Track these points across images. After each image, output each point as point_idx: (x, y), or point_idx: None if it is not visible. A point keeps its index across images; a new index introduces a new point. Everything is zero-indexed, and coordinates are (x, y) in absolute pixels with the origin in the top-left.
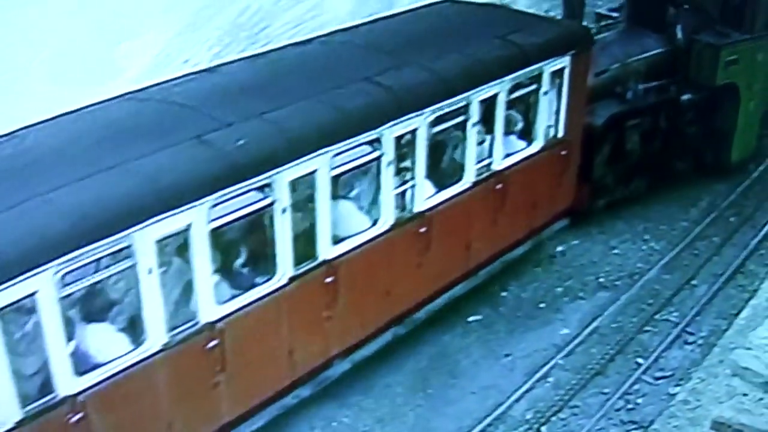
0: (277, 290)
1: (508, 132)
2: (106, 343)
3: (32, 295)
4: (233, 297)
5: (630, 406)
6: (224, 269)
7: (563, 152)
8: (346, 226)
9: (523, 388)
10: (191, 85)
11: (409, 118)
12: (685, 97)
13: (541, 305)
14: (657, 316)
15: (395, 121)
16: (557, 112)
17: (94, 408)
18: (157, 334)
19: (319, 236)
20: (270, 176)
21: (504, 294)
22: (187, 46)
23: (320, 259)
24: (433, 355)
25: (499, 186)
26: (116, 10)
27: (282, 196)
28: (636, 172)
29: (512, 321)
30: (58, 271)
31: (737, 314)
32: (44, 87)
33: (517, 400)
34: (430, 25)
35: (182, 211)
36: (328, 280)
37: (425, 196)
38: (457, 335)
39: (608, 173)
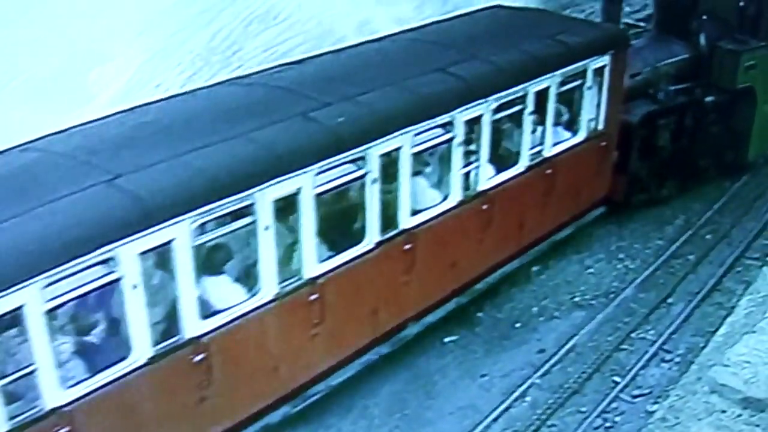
0: (365, 253)
1: (556, 123)
2: (225, 292)
3: (170, 242)
4: (328, 258)
5: (608, 424)
6: (321, 234)
7: (603, 143)
8: (421, 200)
9: (500, 408)
10: (288, 73)
11: (477, 105)
12: (709, 98)
13: (517, 325)
14: (633, 335)
15: (465, 107)
16: (598, 106)
17: (215, 349)
18: (269, 286)
19: (401, 207)
20: (364, 150)
21: (480, 314)
22: (159, 70)
23: (401, 228)
24: (410, 376)
25: (548, 171)
26: (89, 34)
27: (373, 168)
28: (668, 171)
29: (488, 341)
30: (194, 221)
31: (715, 331)
32: (17, 112)
33: (494, 420)
34: (486, 26)
35: (295, 176)
36: (407, 247)
37: (487, 176)
38: (433, 356)
39: (642, 167)
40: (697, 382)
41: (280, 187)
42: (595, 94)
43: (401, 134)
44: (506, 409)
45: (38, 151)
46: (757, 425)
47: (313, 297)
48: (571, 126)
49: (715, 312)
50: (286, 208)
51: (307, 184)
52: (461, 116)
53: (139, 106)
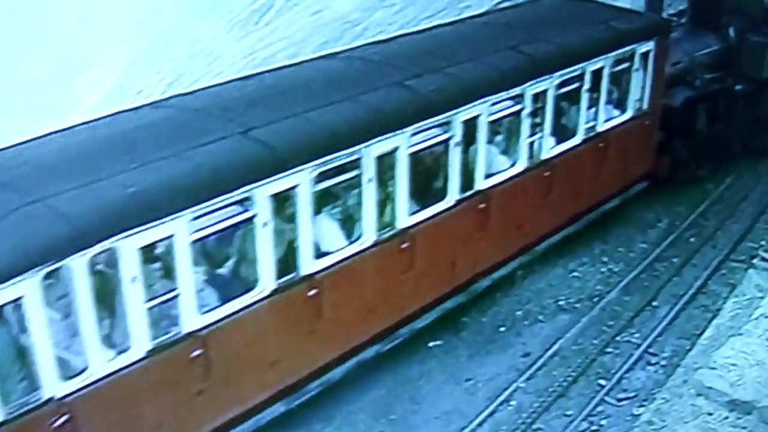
0: (447, 209)
1: (607, 101)
2: (333, 236)
3: (294, 187)
4: (416, 211)
5: (594, 427)
6: (412, 190)
7: (647, 122)
8: (493, 165)
9: (486, 412)
10: (379, 48)
11: (543, 80)
12: (738, 87)
13: (502, 329)
14: (618, 338)
15: (534, 81)
16: (643, 88)
17: (326, 286)
18: (369, 233)
19: (477, 170)
20: (450, 115)
21: (464, 319)
22: (141, 77)
23: (476, 188)
24: (395, 381)
25: (601, 145)
26: (73, 41)
27: (457, 133)
28: (705, 152)
29: (473, 345)
30: (314, 170)
31: (700, 334)
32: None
33: (479, 424)
34: (549, 12)
35: (394, 136)
36: (481, 206)
37: (549, 147)
38: (417, 361)
39: (683, 148)
40: (683, 385)
41: (382, 145)
42: (641, 77)
43: (481, 103)
44: (491, 413)
45: (172, 108)
46: (744, 427)
47: (404, 245)
48: (620, 104)
49: (701, 315)
50: (384, 165)
51: (403, 144)
52: (530, 90)
53: (253, 74)
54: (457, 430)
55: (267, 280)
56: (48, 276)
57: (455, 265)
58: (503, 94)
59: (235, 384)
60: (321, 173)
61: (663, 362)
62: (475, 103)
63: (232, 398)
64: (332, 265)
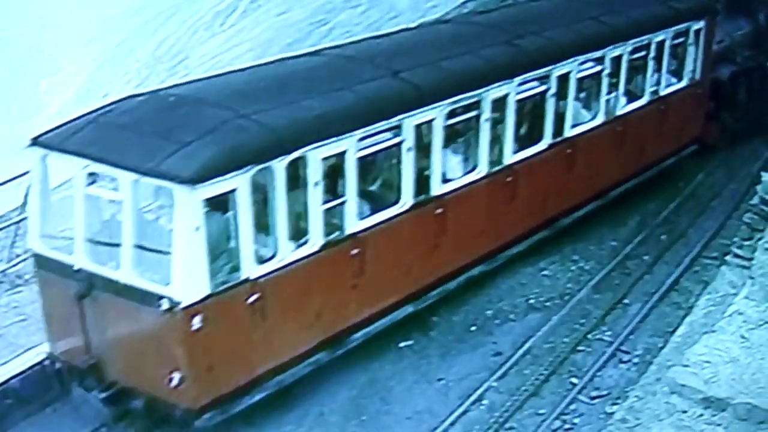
0: (542, 151)
1: (667, 70)
2: (454, 167)
3: (431, 121)
4: (519, 150)
5: (567, 426)
6: (515, 134)
7: (699, 91)
8: (578, 118)
9: (458, 412)
10: (480, 17)
11: (619, 46)
12: None
13: (473, 328)
14: (590, 336)
15: (612, 47)
16: (695, 61)
17: (448, 206)
18: (483, 165)
19: (567, 120)
20: (548, 70)
21: (434, 318)
22: (107, 79)
23: (565, 136)
24: (366, 381)
25: (662, 107)
26: (38, 44)
27: (553, 86)
28: (745, 121)
29: (444, 345)
30: (445, 108)
31: (673, 332)
32: None
33: (452, 424)
34: None
35: (505, 84)
36: (569, 151)
37: (622, 105)
38: (388, 361)
39: (729, 116)
40: (656, 383)
41: (497, 91)
42: (694, 51)
43: (571, 62)
44: (464, 412)
45: (327, 56)
46: (719, 425)
47: (509, 179)
48: (677, 74)
49: (673, 312)
50: (496, 109)
51: (512, 92)
52: (610, 53)
53: (382, 35)
54: (429, 430)
55: (407, 197)
56: (256, 175)
57: (546, 201)
58: (589, 55)
59: (380, 283)
60: (451, 111)
61: (635, 360)
62: (568, 61)
63: (377, 295)
64: (454, 190)
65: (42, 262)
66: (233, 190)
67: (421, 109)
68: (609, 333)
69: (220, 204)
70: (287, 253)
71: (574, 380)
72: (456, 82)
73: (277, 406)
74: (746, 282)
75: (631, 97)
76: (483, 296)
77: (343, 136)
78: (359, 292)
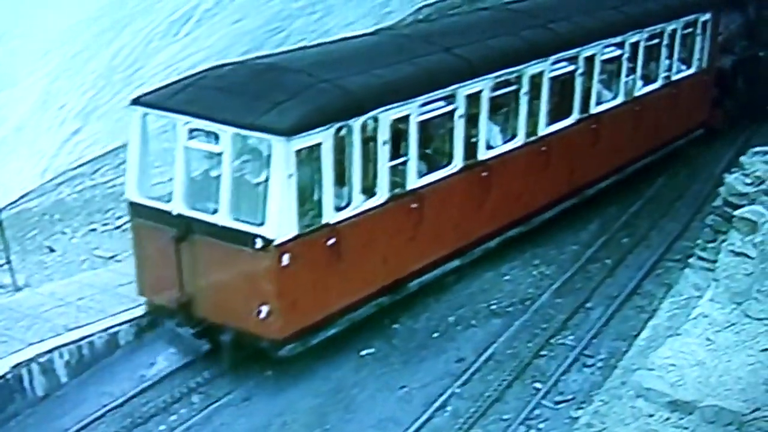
0: (571, 126)
1: (678, 58)
2: (496, 136)
3: (479, 92)
4: (551, 123)
5: (532, 431)
6: (548, 108)
7: (705, 78)
8: (602, 96)
9: (422, 419)
10: (521, 5)
11: (636, 32)
12: (761, 53)
13: (435, 335)
14: (553, 341)
15: (631, 33)
16: (702, 50)
17: (493, 170)
18: (521, 136)
19: (592, 98)
20: (578, 51)
21: (395, 326)
22: (63, 91)
23: (591, 112)
24: (328, 390)
25: (674, 91)
26: None
27: (581, 66)
28: (744, 107)
29: (406, 352)
30: (491, 81)
31: (637, 335)
32: None
33: (416, 431)
34: None
35: (541, 62)
36: (593, 126)
37: (638, 87)
38: (350, 369)
39: (731, 102)
40: (621, 387)
41: (535, 68)
42: (701, 40)
43: (596, 45)
44: (428, 419)
45: (385, 36)
46: (686, 428)
47: (543, 149)
48: (686, 62)
49: (637, 315)
50: (533, 85)
51: (546, 70)
52: (629, 39)
53: (432, 19)
54: None
55: (458, 160)
56: (337, 131)
57: (573, 172)
58: (611, 40)
59: (434, 236)
60: (496, 84)
61: (599, 364)
62: (594, 44)
63: (431, 247)
64: (496, 156)
65: (139, 211)
66: (319, 144)
67: (472, 81)
68: (572, 337)
69: (307, 156)
70: (359, 203)
71: (538, 385)
72: (501, 58)
73: (242, 414)
74: (711, 284)
75: (647, 80)
76: (444, 302)
77: (408, 101)
78: (417, 243)
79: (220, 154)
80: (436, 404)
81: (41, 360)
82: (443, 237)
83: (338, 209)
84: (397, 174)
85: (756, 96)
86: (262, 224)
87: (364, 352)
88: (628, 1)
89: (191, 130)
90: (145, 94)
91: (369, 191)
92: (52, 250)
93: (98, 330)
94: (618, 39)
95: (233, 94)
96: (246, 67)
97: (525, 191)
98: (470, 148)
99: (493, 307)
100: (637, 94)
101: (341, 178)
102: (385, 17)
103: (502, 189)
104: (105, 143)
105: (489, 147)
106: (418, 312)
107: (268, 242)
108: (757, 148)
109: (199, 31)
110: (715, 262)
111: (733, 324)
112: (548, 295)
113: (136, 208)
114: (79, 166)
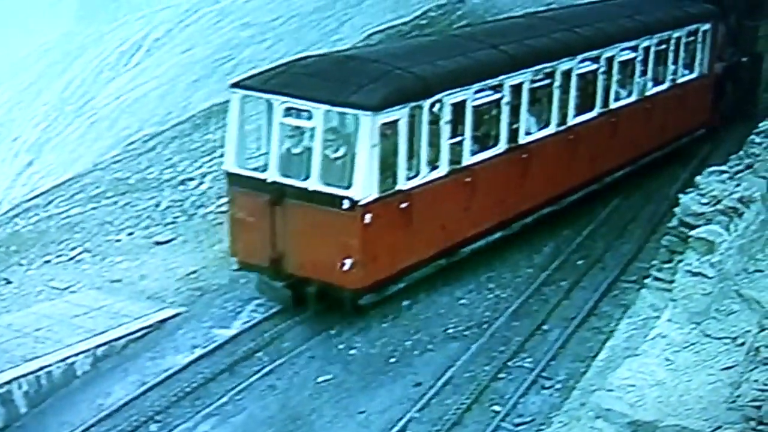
0: (592, 119)
1: (682, 63)
2: (532, 124)
3: (521, 84)
4: (577, 115)
5: None
6: (575, 102)
7: (706, 82)
8: (619, 94)
9: None
10: (551, 13)
11: (647, 38)
12: (744, 59)
13: (392, 360)
14: (510, 363)
15: (643, 38)
16: (703, 57)
17: (532, 153)
18: (553, 124)
19: (611, 94)
20: (600, 52)
21: (352, 351)
22: (15, 123)
23: (610, 107)
24: (286, 417)
25: (679, 93)
26: None
27: (603, 65)
28: (733, 109)
29: (364, 378)
30: (531, 74)
31: (595, 356)
32: None
33: None
34: (645, 2)
35: (570, 60)
36: (612, 119)
37: (649, 87)
38: (307, 396)
39: (722, 104)
40: (580, 408)
41: (565, 64)
42: (702, 48)
43: (614, 47)
44: None
45: (442, 36)
46: None
47: (570, 137)
48: (689, 67)
49: (594, 337)
50: (563, 80)
51: (575, 67)
52: (642, 43)
53: (485, 22)
54: None
55: (503, 142)
56: (411, 110)
57: (595, 160)
58: (627, 44)
59: (483, 208)
60: (533, 77)
61: (558, 386)
62: (613, 46)
63: (480, 218)
64: (533, 141)
65: (236, 180)
66: (397, 120)
67: (516, 73)
68: (530, 360)
69: (387, 130)
70: (426, 173)
71: (497, 408)
72: (538, 55)
73: None
74: (668, 305)
75: (656, 81)
76: (400, 327)
77: (465, 87)
78: (469, 213)
79: (307, 130)
80: (395, 429)
81: (0, 391)
82: (490, 210)
83: (409, 178)
84: (455, 151)
85: (740, 97)
86: (348, 187)
87: (320, 379)
88: (640, 10)
89: (287, 109)
90: (243, 80)
91: (433, 164)
92: (8, 282)
93: (56, 360)
94: (632, 43)
95: (322, 79)
96: (329, 58)
97: (556, 174)
98: (513, 133)
99: (450, 330)
100: (648, 93)
101: (411, 152)
102: (336, 43)
103: (537, 171)
104: (58, 174)
105: (527, 133)
106: (375, 337)
107: (354, 203)
108: (713, 168)
109: (149, 60)
110: (671, 282)
111: (693, 344)
112: (505, 318)
113: (233, 178)
114: (34, 197)
